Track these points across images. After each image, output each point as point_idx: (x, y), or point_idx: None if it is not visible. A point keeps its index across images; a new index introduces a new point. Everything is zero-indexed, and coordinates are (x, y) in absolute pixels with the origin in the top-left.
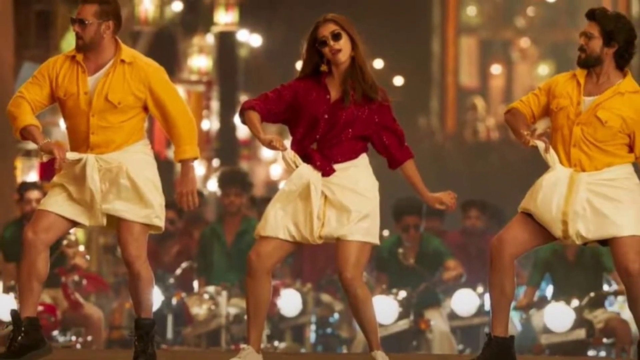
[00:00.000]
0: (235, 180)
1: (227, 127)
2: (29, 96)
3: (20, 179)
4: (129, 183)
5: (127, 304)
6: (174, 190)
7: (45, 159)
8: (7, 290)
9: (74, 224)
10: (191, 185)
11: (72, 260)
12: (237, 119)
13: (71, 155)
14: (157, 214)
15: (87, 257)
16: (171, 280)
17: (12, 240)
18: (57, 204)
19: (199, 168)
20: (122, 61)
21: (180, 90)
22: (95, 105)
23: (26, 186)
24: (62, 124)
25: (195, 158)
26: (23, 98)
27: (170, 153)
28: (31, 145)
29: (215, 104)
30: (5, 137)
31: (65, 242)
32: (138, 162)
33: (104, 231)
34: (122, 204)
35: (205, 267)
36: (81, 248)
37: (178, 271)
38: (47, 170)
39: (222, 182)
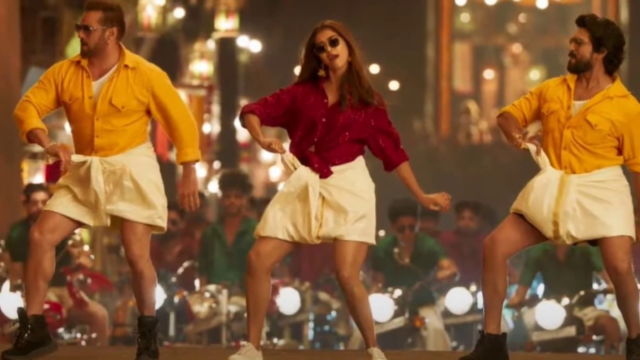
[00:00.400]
0: (235, 182)
1: (227, 131)
2: (35, 100)
3: (26, 180)
4: (132, 185)
5: (130, 302)
6: (176, 191)
7: (51, 161)
8: (14, 288)
9: (79, 224)
10: (193, 186)
11: (77, 260)
12: (237, 123)
13: (76, 158)
14: (159, 215)
15: (92, 256)
16: (173, 279)
17: (19, 241)
18: (63, 205)
19: (200, 170)
20: (126, 66)
21: (182, 94)
22: (100, 109)
23: (32, 188)
24: (68, 127)
25: (197, 160)
26: (29, 102)
27: (172, 155)
28: (37, 148)
29: (216, 108)
30: (12, 140)
31: (70, 242)
32: (141, 164)
33: (108, 231)
34: (125, 205)
35: (206, 267)
36: (86, 248)
37: (180, 270)
38: (53, 172)
39: (223, 184)
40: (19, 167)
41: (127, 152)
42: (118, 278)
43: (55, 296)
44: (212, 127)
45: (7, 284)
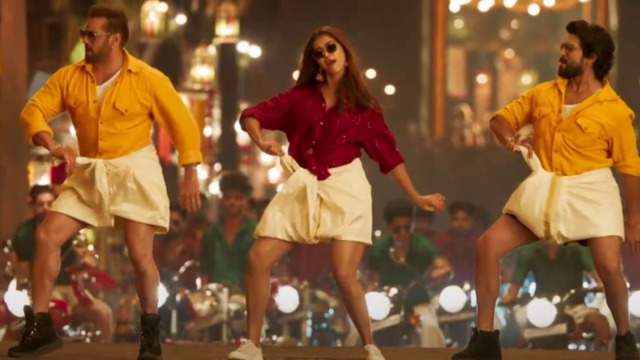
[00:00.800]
0: (235, 183)
1: (228, 134)
2: (41, 104)
3: (32, 182)
4: (135, 186)
5: (133, 300)
6: (178, 193)
7: (56, 163)
8: (20, 287)
9: (84, 224)
10: (194, 188)
11: (81, 259)
12: (237, 126)
13: (81, 160)
14: (162, 216)
15: (96, 256)
16: (175, 278)
17: (25, 240)
18: (68, 206)
19: (201, 172)
20: (129, 71)
21: (184, 98)
22: (104, 112)
23: (38, 189)
24: (72, 130)
25: (198, 162)
26: (35, 106)
27: (174, 158)
28: (43, 151)
29: (216, 112)
30: (19, 142)
31: (75, 242)
32: (144, 166)
33: (111, 232)
34: (129, 206)
35: (207, 266)
36: (90, 248)
37: (182, 269)
38: (58, 174)
39: (224, 186)
40: (25, 169)
41: (130, 155)
42: (121, 277)
43: (60, 294)
44: (213, 130)
45: (13, 283)
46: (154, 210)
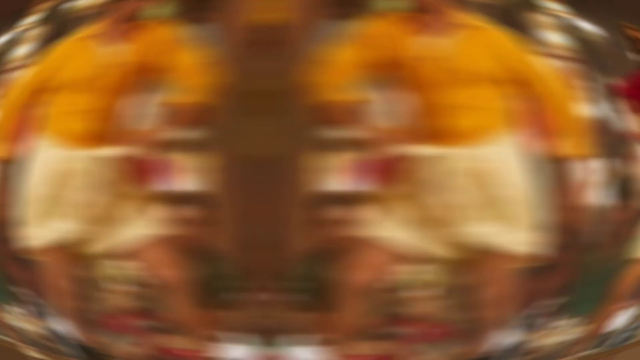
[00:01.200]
0: (627, 187)
1: (611, 116)
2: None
3: (324, 185)
4: (497, 193)
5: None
6: (552, 202)
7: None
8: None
9: (414, 256)
10: (575, 194)
11: (410, 307)
12: (618, 107)
13: (409, 150)
14: (531, 238)
15: (435, 301)
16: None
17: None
18: (389, 228)
19: (584, 170)
20: (469, 27)
21: (547, 65)
22: (433, 77)
23: (332, 198)
24: None
25: (581, 156)
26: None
27: (550, 149)
28: (337, 134)
29: (586, 86)
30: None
31: (401, 282)
32: (509, 162)
33: (455, 266)
34: (487, 226)
35: None
36: (425, 291)
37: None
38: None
39: (614, 191)
40: (316, 163)
41: (483, 145)
42: (466, 325)
43: (381, 350)
44: (591, 111)
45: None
46: (521, 231)
